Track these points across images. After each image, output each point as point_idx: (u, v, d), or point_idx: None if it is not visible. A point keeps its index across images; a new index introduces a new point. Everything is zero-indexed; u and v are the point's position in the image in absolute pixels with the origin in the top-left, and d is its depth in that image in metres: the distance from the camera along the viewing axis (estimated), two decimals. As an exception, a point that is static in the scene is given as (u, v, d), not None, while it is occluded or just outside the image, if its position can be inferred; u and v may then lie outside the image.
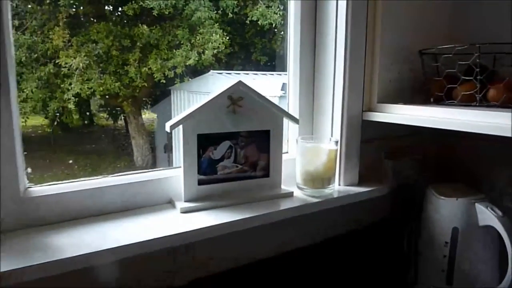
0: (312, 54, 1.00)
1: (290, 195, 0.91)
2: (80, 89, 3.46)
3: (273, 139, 0.90)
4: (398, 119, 0.91)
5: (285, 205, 0.86)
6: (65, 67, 3.35)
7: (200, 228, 0.73)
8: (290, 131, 1.04)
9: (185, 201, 0.82)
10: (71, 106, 3.50)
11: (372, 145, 1.03)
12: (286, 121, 0.92)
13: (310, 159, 0.91)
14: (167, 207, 0.83)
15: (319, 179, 0.90)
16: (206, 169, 0.84)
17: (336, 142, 0.93)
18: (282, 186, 0.93)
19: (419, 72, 1.00)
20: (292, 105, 1.02)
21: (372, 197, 0.98)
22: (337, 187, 0.98)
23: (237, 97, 0.83)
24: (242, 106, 0.84)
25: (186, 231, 0.71)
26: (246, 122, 0.86)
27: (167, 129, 0.78)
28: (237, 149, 0.87)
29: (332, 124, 0.98)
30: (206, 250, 0.83)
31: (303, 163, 0.91)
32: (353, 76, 0.94)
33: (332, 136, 0.98)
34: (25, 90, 3.35)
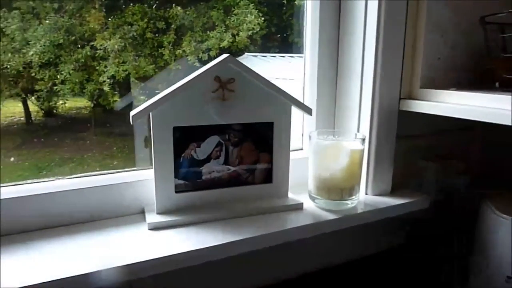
0: (335, 27, 0.78)
1: (298, 207, 0.70)
2: (116, 71, 3.45)
3: (278, 134, 0.69)
4: (449, 111, 0.67)
5: (291, 222, 0.65)
6: (100, 49, 3.33)
7: (167, 256, 0.54)
8: (305, 123, 0.83)
9: (157, 213, 0.64)
10: (106, 88, 3.51)
11: (405, 143, 0.79)
12: (298, 112, 0.71)
13: (327, 161, 0.70)
14: (137, 220, 0.65)
15: (337, 189, 0.69)
16: (186, 173, 0.65)
17: (363, 139, 0.70)
18: (290, 195, 0.73)
19: (480, 47, 0.74)
20: (308, 93, 0.81)
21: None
22: (363, 197, 0.76)
23: (226, 79, 0.63)
24: (234, 91, 0.64)
25: (142, 261, 0.52)
26: (240, 111, 0.65)
27: (131, 120, 0.59)
28: (229, 146, 0.67)
29: (359, 116, 0.75)
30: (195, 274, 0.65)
31: (317, 166, 0.70)
32: (389, 52, 0.71)
33: (358, 131, 0.76)
34: (63, 72, 3.38)
